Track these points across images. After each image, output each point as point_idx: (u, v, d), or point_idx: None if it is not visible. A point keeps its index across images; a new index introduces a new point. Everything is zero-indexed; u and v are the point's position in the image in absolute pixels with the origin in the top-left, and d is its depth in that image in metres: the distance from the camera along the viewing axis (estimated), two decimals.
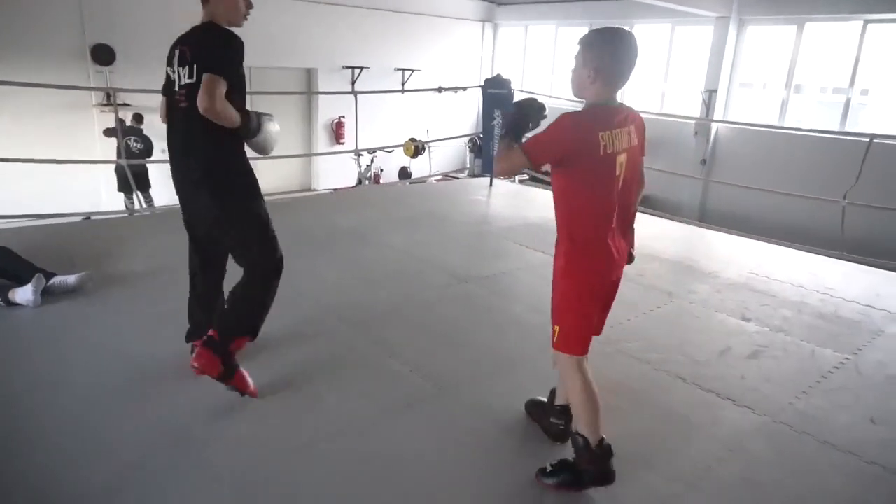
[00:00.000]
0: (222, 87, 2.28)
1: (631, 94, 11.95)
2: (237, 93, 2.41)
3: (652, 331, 3.49)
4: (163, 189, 9.39)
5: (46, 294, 3.37)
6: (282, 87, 11.42)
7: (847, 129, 9.28)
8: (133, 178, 7.51)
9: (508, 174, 2.13)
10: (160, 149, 9.63)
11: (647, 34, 11.78)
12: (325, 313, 3.46)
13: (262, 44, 10.64)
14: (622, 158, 2.00)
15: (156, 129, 9.62)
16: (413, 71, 12.45)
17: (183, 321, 2.89)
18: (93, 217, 6.27)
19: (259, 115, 2.58)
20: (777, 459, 2.41)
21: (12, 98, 8.29)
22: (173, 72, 2.50)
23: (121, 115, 8.77)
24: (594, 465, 2.09)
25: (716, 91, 10.49)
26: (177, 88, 2.47)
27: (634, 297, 3.96)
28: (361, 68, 12.04)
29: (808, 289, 4.26)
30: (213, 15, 2.48)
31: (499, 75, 7.13)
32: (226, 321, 2.51)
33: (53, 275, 3.42)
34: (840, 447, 2.49)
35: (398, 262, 4.41)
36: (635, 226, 2.33)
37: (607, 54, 1.97)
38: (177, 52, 2.48)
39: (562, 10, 12.72)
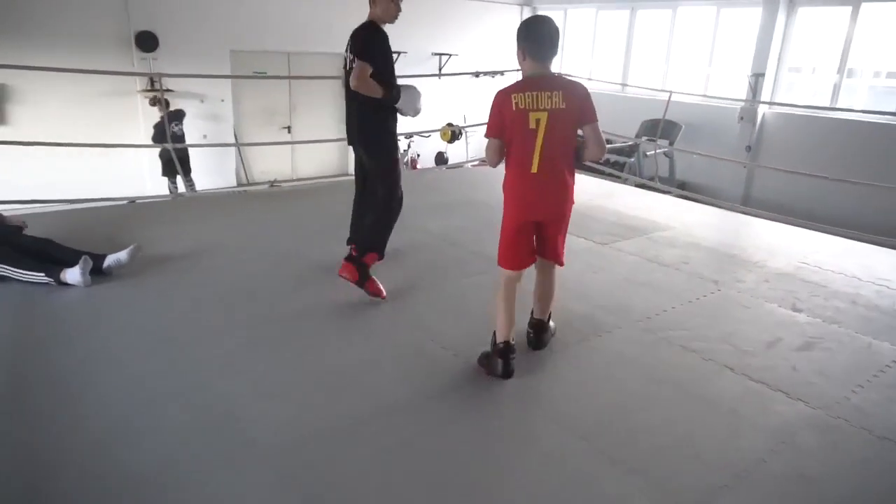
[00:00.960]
0: (367, 70, 3.12)
1: (674, 78, 11.65)
2: (384, 73, 3.23)
3: (698, 319, 3.40)
4: (203, 174, 9.58)
5: (102, 275, 3.49)
6: (319, 72, 11.46)
7: None
8: (178, 162, 7.63)
9: (496, 162, 2.65)
10: (202, 134, 9.82)
11: (691, 17, 11.43)
12: (362, 298, 3.45)
13: (300, 30, 10.70)
14: (538, 115, 2.44)
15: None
16: (450, 56, 12.34)
17: (224, 303, 2.93)
18: (137, 201, 6.40)
19: (400, 88, 3.34)
20: (832, 454, 2.32)
21: (59, 85, 8.50)
22: (346, 57, 3.32)
23: (153, 101, 8.93)
24: (491, 358, 2.68)
25: (763, 75, 10.12)
26: (347, 69, 3.31)
27: (679, 285, 3.86)
28: (399, 53, 11.94)
29: (862, 279, 4.09)
30: (373, 15, 3.32)
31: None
32: (362, 240, 3.47)
33: (104, 256, 3.51)
34: None
35: (435, 248, 4.38)
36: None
37: (527, 38, 2.49)
38: (348, 43, 3.29)
39: None
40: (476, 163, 12.09)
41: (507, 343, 2.66)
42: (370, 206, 3.55)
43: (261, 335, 3.01)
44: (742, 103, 10.08)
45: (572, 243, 4.58)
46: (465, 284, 3.74)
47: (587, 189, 6.60)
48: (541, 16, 2.51)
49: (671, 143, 10.59)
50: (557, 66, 12.90)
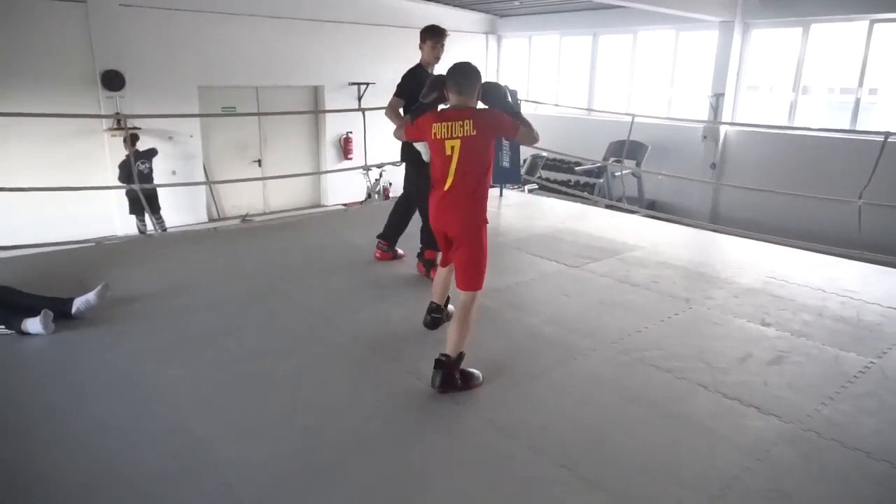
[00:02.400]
0: (395, 103, 3.98)
1: (638, 100, 11.94)
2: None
3: (671, 339, 3.45)
4: (174, 211, 9.48)
5: (72, 318, 3.42)
6: (289, 106, 11.51)
7: (857, 128, 9.20)
8: (145, 200, 7.55)
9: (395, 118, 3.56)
10: (170, 171, 9.73)
11: (651, 41, 11.78)
12: (338, 332, 3.44)
13: (269, 64, 10.76)
14: (452, 143, 2.79)
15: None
16: None
17: (196, 344, 2.90)
18: (106, 242, 6.31)
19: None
20: (806, 468, 2.36)
21: (23, 126, 8.40)
22: None
23: (117, 138, 8.87)
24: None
25: (723, 95, 10.45)
26: None
27: (651, 305, 3.92)
28: (367, 84, 12.11)
29: (827, 292, 4.19)
30: (421, 58, 4.22)
31: (505, 86, 7.13)
32: (421, 237, 4.32)
33: (72, 300, 3.44)
34: (871, 454, 2.43)
35: (411, 278, 4.39)
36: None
37: (449, 78, 2.87)
38: None
39: (565, 20, 12.75)
40: None
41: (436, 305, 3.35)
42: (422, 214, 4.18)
43: (236, 375, 2.97)
44: (704, 123, 10.38)
45: (544, 267, 4.65)
46: (406, 297, 3.74)
47: (557, 212, 6.70)
48: (462, 62, 2.89)
49: (638, 164, 10.82)
50: (524, 91, 13.16)
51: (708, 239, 6.03)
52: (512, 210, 6.78)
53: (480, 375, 2.91)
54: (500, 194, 7.26)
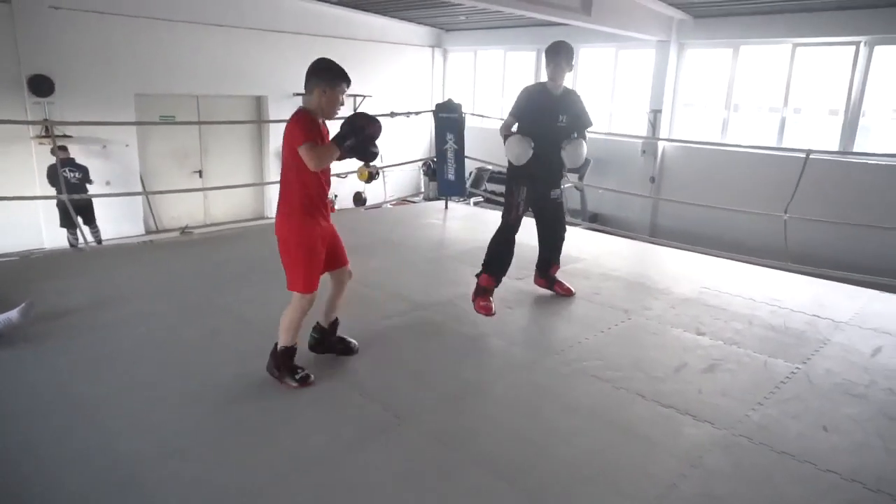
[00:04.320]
0: (507, 123, 4.09)
1: None
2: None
3: (610, 348, 3.52)
4: (109, 222, 9.10)
5: None
6: (231, 115, 11.26)
7: (783, 145, 9.70)
8: (75, 212, 7.22)
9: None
10: (104, 181, 9.33)
11: (592, 58, 12.12)
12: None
13: (211, 72, 10.53)
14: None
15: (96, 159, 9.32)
16: (364, 97, 12.47)
17: (126, 360, 2.78)
18: (31, 255, 5.99)
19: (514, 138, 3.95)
20: (736, 473, 2.44)
21: None
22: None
23: (45, 146, 8.49)
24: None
25: (660, 111, 10.84)
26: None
27: (591, 316, 4.00)
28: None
29: (757, 301, 4.38)
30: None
31: (450, 100, 7.20)
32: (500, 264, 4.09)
33: None
34: (796, 456, 2.53)
35: (354, 291, 4.32)
36: None
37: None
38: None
39: (509, 35, 13.00)
40: (395, 202, 12.16)
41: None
42: None
43: (167, 391, 2.86)
44: (643, 138, 10.74)
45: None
46: (385, 326, 3.71)
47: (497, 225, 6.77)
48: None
49: (581, 178, 11.06)
50: (469, 105, 13.29)
51: (647, 251, 6.21)
52: (456, 222, 6.82)
53: (296, 384, 2.91)
54: (446, 206, 7.29)
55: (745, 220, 8.65)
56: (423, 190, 12.99)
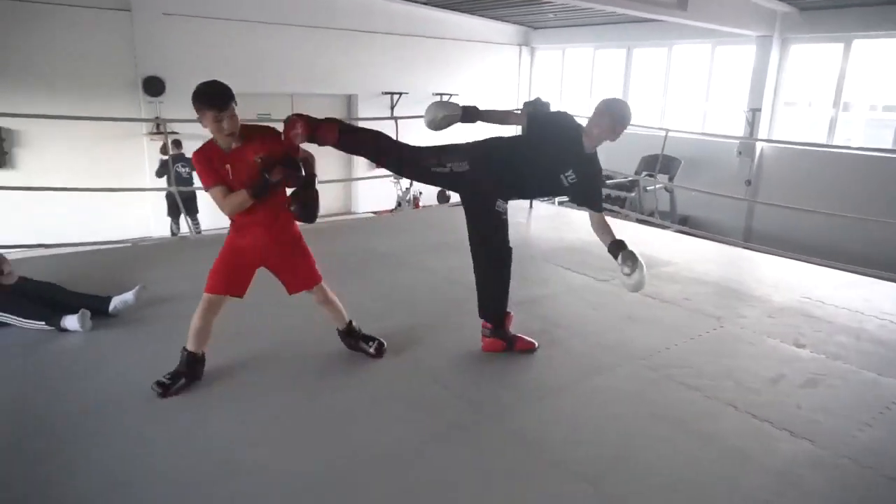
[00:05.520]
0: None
1: (672, 114, 11.81)
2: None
3: (700, 356, 3.38)
4: (208, 214, 9.66)
5: (109, 317, 3.52)
6: (323, 113, 11.62)
7: None
8: (182, 203, 7.72)
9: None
10: None
11: (686, 55, 11.66)
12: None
13: (304, 72, 10.95)
14: None
15: None
16: (451, 95, 12.58)
17: (226, 345, 2.95)
18: (141, 243, 6.46)
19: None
20: (840, 496, 2.29)
21: (66, 129, 8.67)
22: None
23: (156, 142, 9.10)
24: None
25: (759, 110, 10.28)
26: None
27: (680, 322, 3.85)
28: (400, 94, 12.23)
29: (865, 314, 4.07)
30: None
31: (538, 98, 7.11)
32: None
33: (110, 298, 3.54)
34: None
35: (437, 288, 4.39)
36: None
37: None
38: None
39: (599, 32, 12.72)
40: None
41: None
42: None
43: (258, 376, 3.01)
44: (739, 139, 10.21)
45: (572, 279, 4.62)
46: (465, 323, 3.74)
47: (587, 226, 6.60)
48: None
49: (671, 178, 10.69)
50: (557, 104, 13.18)
51: (741, 256, 5.91)
52: (541, 222, 6.75)
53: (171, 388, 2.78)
54: (530, 206, 7.24)
55: (852, 227, 8.07)
56: None
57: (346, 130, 3.09)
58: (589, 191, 3.08)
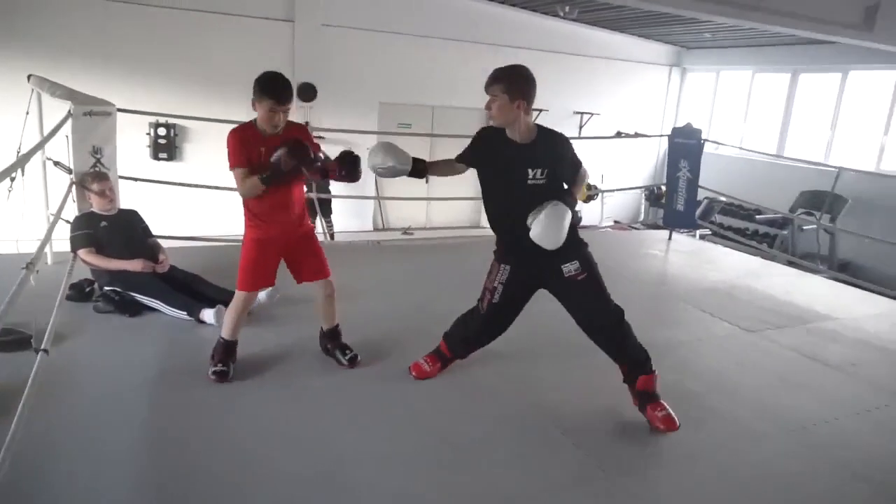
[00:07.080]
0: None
1: (840, 146, 10.66)
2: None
3: (868, 437, 2.89)
4: (343, 217, 10.08)
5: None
6: (462, 125, 11.74)
7: None
8: (318, 205, 8.07)
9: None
10: None
11: (863, 81, 10.45)
12: (483, 368, 3.31)
13: (445, 84, 11.10)
14: None
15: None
16: (592, 115, 12.21)
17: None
18: None
19: None
20: None
21: (227, 127, 9.39)
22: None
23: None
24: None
25: None
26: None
27: (844, 392, 3.35)
28: (540, 110, 12.02)
29: None
30: None
31: (689, 124, 6.66)
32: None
33: None
34: None
35: (566, 325, 4.16)
36: None
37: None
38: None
39: (760, 54, 11.75)
40: (611, 225, 11.70)
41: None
42: None
43: (383, 390, 3.00)
44: None
45: (714, 327, 4.19)
46: (595, 358, 3.48)
47: (732, 264, 6.07)
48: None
49: (833, 219, 9.60)
50: (706, 130, 12.38)
51: None
52: (680, 256, 6.29)
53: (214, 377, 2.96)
54: (669, 237, 6.78)
55: None
56: (641, 217, 12.36)
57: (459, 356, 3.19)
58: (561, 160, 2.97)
